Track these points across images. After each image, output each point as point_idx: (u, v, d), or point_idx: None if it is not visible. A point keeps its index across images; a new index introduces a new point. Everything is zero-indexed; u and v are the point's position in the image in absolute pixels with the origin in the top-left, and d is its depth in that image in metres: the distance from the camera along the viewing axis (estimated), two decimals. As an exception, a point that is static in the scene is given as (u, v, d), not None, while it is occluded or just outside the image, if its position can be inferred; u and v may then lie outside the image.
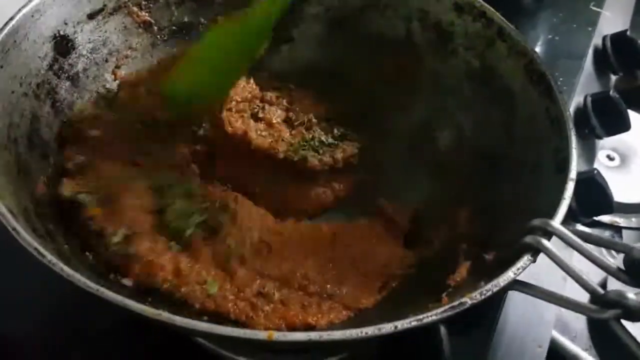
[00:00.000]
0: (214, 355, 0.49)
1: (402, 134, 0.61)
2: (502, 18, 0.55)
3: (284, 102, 0.63)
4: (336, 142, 0.61)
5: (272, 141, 0.59)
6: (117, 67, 0.59)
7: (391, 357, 0.49)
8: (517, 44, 0.53)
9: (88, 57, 0.56)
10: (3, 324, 0.51)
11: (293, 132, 0.61)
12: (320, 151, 0.59)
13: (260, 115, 0.61)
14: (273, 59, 0.64)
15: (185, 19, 0.63)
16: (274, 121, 0.61)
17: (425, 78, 0.60)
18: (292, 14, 0.63)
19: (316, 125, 0.62)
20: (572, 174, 0.43)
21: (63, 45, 0.53)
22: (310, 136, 0.61)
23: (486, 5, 0.56)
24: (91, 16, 0.56)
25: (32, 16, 0.50)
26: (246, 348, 0.49)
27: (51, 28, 0.52)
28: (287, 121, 0.62)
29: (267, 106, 0.62)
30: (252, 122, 0.61)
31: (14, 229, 0.37)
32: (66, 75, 0.54)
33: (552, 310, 0.56)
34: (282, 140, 0.60)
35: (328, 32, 0.64)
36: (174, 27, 0.62)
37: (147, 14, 0.60)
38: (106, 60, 0.58)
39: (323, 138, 0.61)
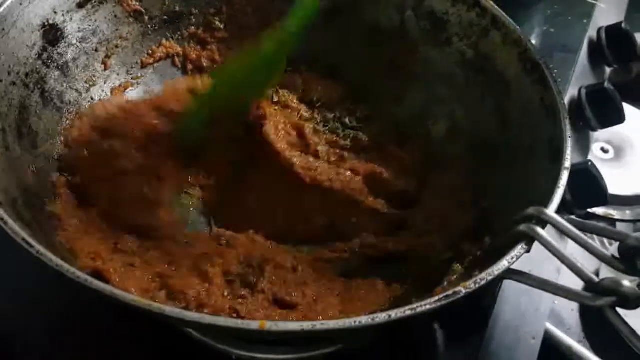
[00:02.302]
0: (208, 349, 0.48)
1: (396, 123, 0.60)
2: (497, 7, 0.55)
3: (299, 83, 0.63)
4: (360, 125, 0.61)
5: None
6: (107, 56, 0.58)
7: (385, 349, 0.49)
8: (512, 33, 0.53)
9: (78, 46, 0.55)
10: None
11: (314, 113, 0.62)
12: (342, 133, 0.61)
13: (275, 99, 0.61)
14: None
15: (177, 9, 0.62)
16: (291, 103, 0.61)
17: (420, 67, 0.60)
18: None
19: (338, 106, 0.62)
20: (567, 163, 0.43)
21: (52, 34, 0.53)
22: (332, 115, 0.61)
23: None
24: (81, 5, 0.55)
25: (21, 4, 0.50)
26: (239, 340, 0.48)
27: (40, 16, 0.51)
28: (305, 102, 0.62)
29: (279, 89, 0.62)
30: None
31: (1, 218, 0.36)
32: (55, 64, 0.53)
33: (546, 302, 0.56)
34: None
35: (322, 21, 0.63)
36: (165, 17, 0.62)
37: (138, 3, 0.60)
38: (96, 50, 0.57)
39: (347, 120, 0.62)
